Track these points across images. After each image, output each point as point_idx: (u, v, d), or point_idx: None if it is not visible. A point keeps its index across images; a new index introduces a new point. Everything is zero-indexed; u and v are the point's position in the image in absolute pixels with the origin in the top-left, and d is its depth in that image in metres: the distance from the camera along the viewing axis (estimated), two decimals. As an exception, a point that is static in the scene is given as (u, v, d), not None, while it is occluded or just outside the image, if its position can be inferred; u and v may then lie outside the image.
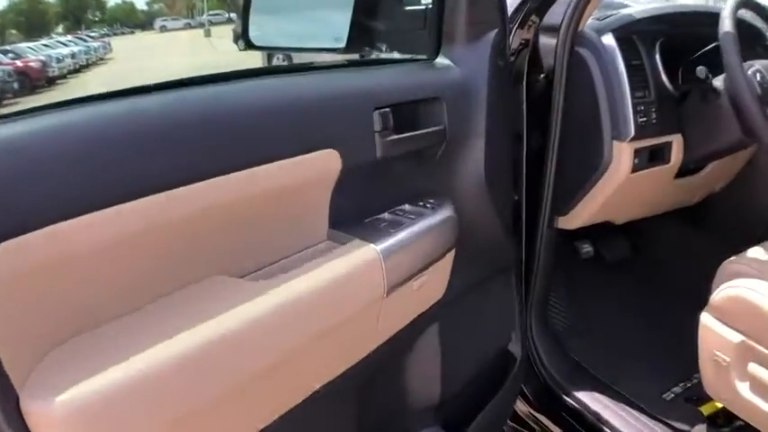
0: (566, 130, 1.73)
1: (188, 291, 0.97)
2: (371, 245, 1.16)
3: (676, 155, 1.84)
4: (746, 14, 1.89)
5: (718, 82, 1.73)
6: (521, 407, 1.94)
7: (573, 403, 1.86)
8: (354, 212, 1.25)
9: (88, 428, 0.79)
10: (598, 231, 2.01)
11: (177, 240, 0.95)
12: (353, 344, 1.22)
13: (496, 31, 1.47)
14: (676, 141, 1.83)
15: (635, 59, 1.75)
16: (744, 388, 1.47)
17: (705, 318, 1.55)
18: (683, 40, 1.89)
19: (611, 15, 1.84)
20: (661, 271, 2.45)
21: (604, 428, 1.77)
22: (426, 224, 1.29)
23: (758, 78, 1.65)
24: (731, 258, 1.61)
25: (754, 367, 1.44)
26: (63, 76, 19.60)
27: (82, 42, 25.79)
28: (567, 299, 2.24)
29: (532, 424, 1.93)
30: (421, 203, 1.35)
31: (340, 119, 1.18)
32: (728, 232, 2.32)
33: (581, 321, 2.21)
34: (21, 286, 0.77)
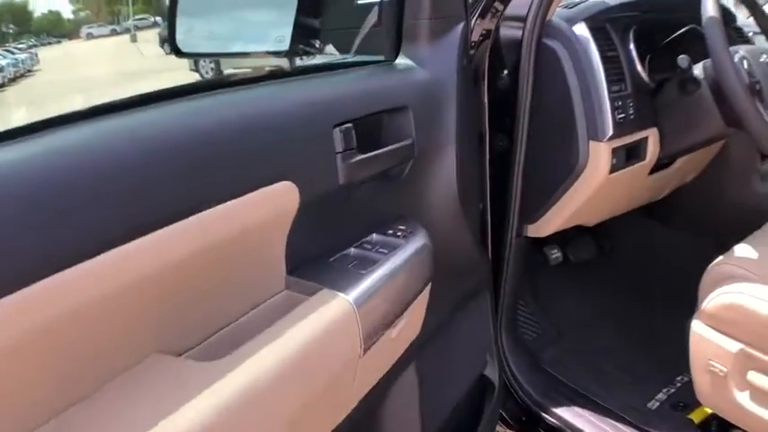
0: (534, 131, 1.59)
1: (122, 379, 0.75)
2: (341, 295, 0.96)
3: (652, 150, 1.71)
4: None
5: (697, 70, 1.61)
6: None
7: (554, 421, 1.74)
8: (316, 252, 1.06)
9: None
10: (564, 233, 1.88)
11: (98, 321, 0.72)
12: (327, 413, 1.02)
13: (462, 25, 1.33)
14: (652, 136, 1.70)
15: (610, 50, 1.61)
16: (744, 397, 1.41)
17: (697, 326, 1.48)
18: (655, 26, 1.76)
19: (580, 2, 1.69)
20: (630, 269, 2.34)
21: None
22: (401, 258, 1.11)
23: (745, 66, 1.54)
24: (719, 259, 1.54)
25: (754, 376, 1.39)
26: (-6, 91, 18.93)
27: (9, 55, 25.02)
28: (536, 308, 2.13)
29: None
30: (390, 232, 1.17)
31: (293, 142, 0.97)
32: (698, 225, 2.27)
33: (553, 330, 2.11)
34: None
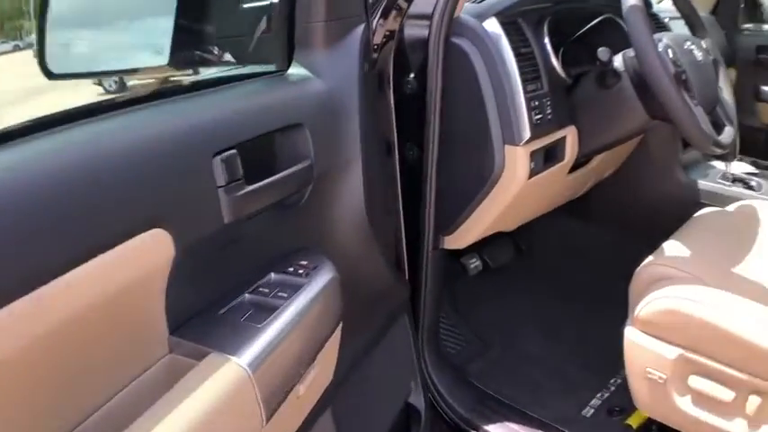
0: (446, 138, 1.48)
1: None
2: (233, 359, 0.82)
3: (571, 149, 1.62)
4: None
5: (617, 62, 1.52)
6: None
7: None
8: (203, 304, 0.93)
9: None
10: (481, 239, 1.79)
11: None
12: None
13: (362, 26, 1.21)
14: (570, 135, 1.60)
15: (524, 46, 1.50)
16: (685, 402, 1.38)
17: (631, 333, 1.42)
18: (569, 16, 1.67)
19: None
20: (553, 270, 2.28)
21: None
22: (304, 300, 0.98)
23: (670, 55, 1.45)
24: (648, 260, 1.50)
25: (696, 380, 1.35)
26: None
27: None
28: (459, 319, 2.04)
29: None
30: (291, 269, 1.04)
31: (165, 178, 0.83)
32: (621, 220, 2.22)
33: (478, 341, 2.01)
34: None
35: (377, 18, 1.38)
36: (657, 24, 1.95)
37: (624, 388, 1.52)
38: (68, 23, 1.25)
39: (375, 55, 1.38)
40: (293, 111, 1.08)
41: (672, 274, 1.42)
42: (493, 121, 1.46)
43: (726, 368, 1.30)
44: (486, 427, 1.66)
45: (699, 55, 1.55)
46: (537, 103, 1.47)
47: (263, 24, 1.33)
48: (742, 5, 3.27)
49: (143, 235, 0.76)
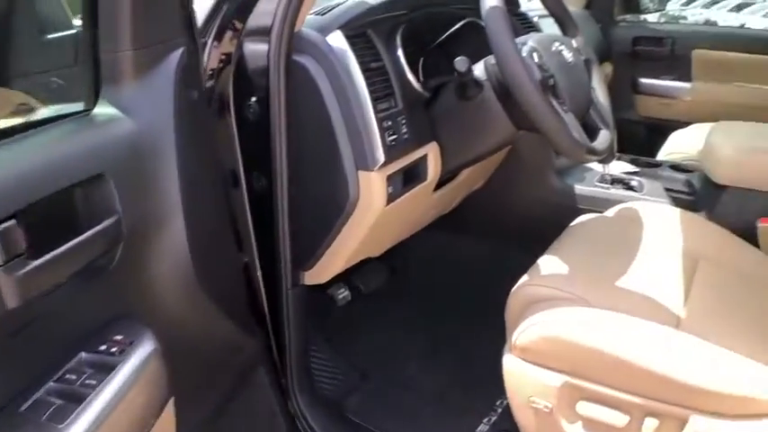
0: (295, 165, 1.36)
1: None
2: None
3: (434, 167, 1.53)
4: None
5: (478, 71, 1.42)
6: None
7: None
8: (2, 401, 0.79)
9: None
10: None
11: None
12: None
13: (181, 51, 1.06)
14: (432, 152, 1.51)
15: (374, 60, 1.39)
16: (575, 429, 1.30)
17: (510, 361, 1.33)
18: (427, 23, 1.58)
19: (335, 6, 1.46)
20: (430, 289, 2.20)
21: None
22: (118, 383, 0.86)
23: (536, 60, 1.36)
24: (523, 280, 1.42)
25: (585, 406, 1.27)
26: None
27: None
28: (332, 353, 1.92)
29: None
30: (103, 347, 0.91)
31: None
32: (497, 231, 2.15)
33: (355, 373, 1.90)
34: None
35: (211, 40, 1.25)
36: (526, 25, 1.87)
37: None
38: None
39: (212, 82, 1.25)
40: (93, 159, 0.94)
41: (549, 294, 1.34)
42: (343, 145, 1.35)
43: (617, 393, 1.22)
44: None
45: (569, 56, 1.47)
46: (390, 122, 1.36)
47: (68, 57, 1.17)
48: (618, -3, 3.27)
49: None
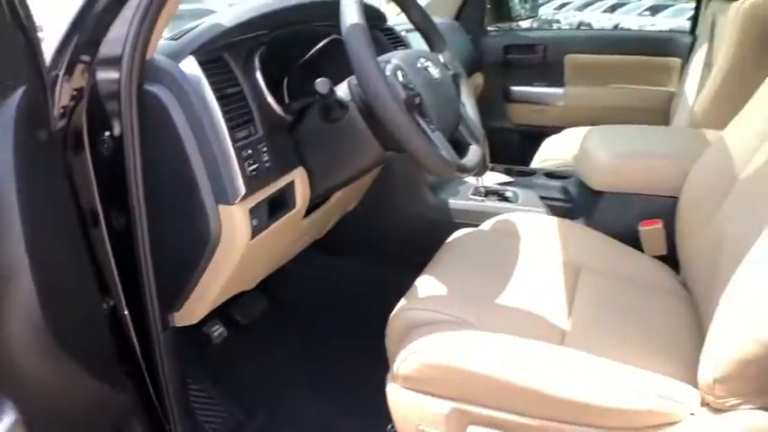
0: (154, 202, 1.27)
1: None
2: None
3: (302, 194, 1.47)
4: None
5: (341, 92, 1.37)
6: None
7: None
8: None
9: None
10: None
11: None
12: None
13: (22, 91, 0.98)
14: (299, 177, 1.46)
15: (230, 86, 1.32)
16: None
17: (394, 391, 1.29)
18: (289, 42, 1.52)
19: (190, 30, 1.38)
20: (312, 316, 2.16)
21: None
22: None
23: (400, 78, 1.32)
24: (401, 304, 1.38)
25: (474, 430, 1.23)
26: None
27: None
28: (215, 391, 1.84)
29: None
30: None
31: None
32: (373, 252, 2.14)
33: (240, 410, 1.82)
34: None
35: (61, 74, 1.15)
36: (393, 40, 1.84)
37: None
38: None
39: (64, 120, 1.16)
40: None
41: (429, 318, 1.31)
42: (201, 178, 1.27)
43: (506, 415, 1.19)
44: None
45: (435, 72, 1.44)
46: (250, 150, 1.29)
47: None
48: (488, 6, 3.30)
49: None
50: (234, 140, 1.26)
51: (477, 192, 2.04)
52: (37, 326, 0.98)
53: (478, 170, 1.50)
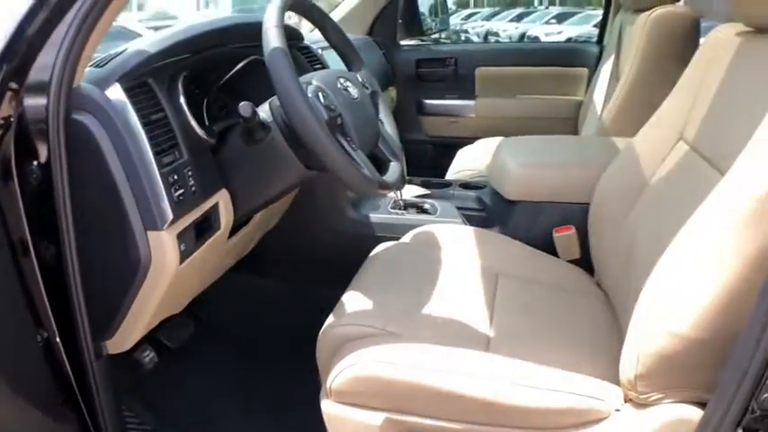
0: (83, 231, 1.26)
1: None
2: None
3: (226, 215, 1.47)
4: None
5: (264, 113, 1.39)
6: None
7: None
8: None
9: None
10: None
11: None
12: None
13: None
14: (222, 200, 1.46)
15: (155, 112, 1.32)
16: None
17: (328, 406, 1.30)
18: (212, 65, 1.54)
19: (115, 56, 1.37)
20: (239, 336, 2.14)
21: None
22: None
23: (321, 100, 1.35)
24: (329, 321, 1.40)
25: None
26: None
27: None
28: (150, 415, 1.82)
29: None
30: None
31: None
32: (297, 270, 2.16)
33: None
34: None
35: None
36: (310, 58, 1.86)
37: None
38: None
39: None
40: None
41: (357, 333, 1.33)
42: (129, 206, 1.27)
43: (438, 422, 1.23)
44: None
45: (354, 92, 1.48)
46: (176, 176, 1.30)
47: None
48: (400, 21, 3.33)
49: None
50: (160, 166, 1.27)
51: (396, 205, 2.08)
52: None
53: (398, 185, 1.54)
